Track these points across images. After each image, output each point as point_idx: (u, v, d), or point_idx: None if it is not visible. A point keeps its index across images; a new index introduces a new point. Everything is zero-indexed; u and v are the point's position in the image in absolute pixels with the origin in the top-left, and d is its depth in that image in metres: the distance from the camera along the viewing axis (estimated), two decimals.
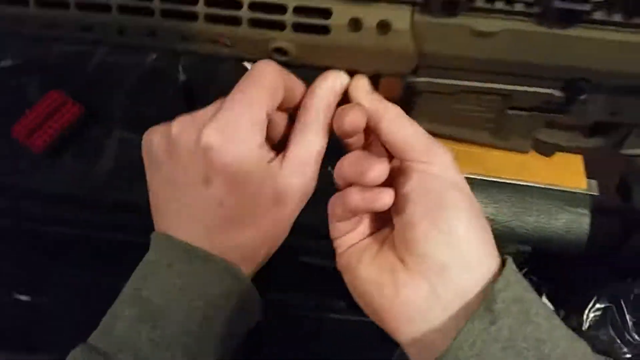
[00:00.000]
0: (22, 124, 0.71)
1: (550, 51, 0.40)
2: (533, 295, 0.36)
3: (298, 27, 0.39)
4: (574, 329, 1.18)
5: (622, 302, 1.41)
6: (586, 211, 0.48)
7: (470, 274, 0.35)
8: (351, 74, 0.42)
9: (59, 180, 0.71)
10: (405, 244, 0.37)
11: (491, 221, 0.48)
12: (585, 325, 1.43)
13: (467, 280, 0.35)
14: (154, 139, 0.41)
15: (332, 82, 0.41)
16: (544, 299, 1.55)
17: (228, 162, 0.37)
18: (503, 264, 0.37)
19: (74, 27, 0.41)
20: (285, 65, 0.41)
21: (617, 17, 0.38)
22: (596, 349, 1.37)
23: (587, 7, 0.37)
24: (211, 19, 0.39)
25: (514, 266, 0.36)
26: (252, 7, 0.39)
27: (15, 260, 0.88)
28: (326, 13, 0.39)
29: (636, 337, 1.41)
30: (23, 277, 0.91)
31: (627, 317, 1.41)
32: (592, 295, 1.43)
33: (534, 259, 1.52)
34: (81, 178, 0.71)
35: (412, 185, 0.38)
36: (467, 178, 0.47)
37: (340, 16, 0.39)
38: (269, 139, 0.41)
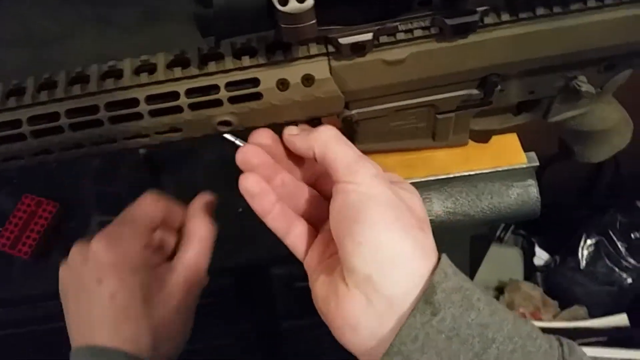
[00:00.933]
0: (5, 236, 0.74)
1: (456, 60, 0.44)
2: (471, 284, 0.36)
3: (234, 100, 0.43)
4: (572, 270, 1.24)
5: (611, 233, 1.48)
6: (532, 181, 0.53)
7: (396, 279, 0.36)
8: (291, 123, 0.46)
9: (54, 279, 0.73)
10: (342, 261, 0.38)
11: (452, 214, 0.53)
12: (583, 263, 1.50)
13: (395, 285, 0.36)
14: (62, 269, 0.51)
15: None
16: (537, 249, 1.61)
17: (114, 260, 0.47)
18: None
19: (35, 153, 0.44)
20: (233, 133, 0.45)
21: (506, 17, 0.43)
22: (598, 283, 1.43)
23: (476, 17, 0.42)
24: (155, 113, 0.43)
25: (449, 261, 0.37)
26: (188, 93, 0.43)
27: None
28: (255, 81, 0.43)
29: (632, 260, 1.48)
30: None
31: (619, 244, 1.48)
32: (581, 234, 1.49)
33: None
34: None
35: (335, 206, 0.39)
36: (421, 181, 0.52)
37: (268, 81, 0.43)
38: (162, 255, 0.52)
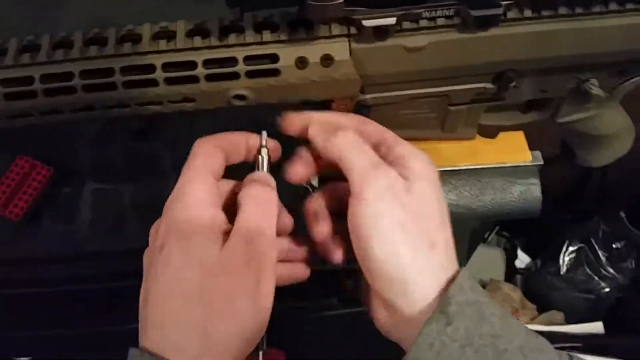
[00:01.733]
0: None
1: (475, 52, 0.45)
2: (488, 299, 0.37)
3: (251, 74, 0.43)
4: (552, 275, 1.25)
5: (593, 241, 1.49)
6: (535, 180, 0.54)
7: (409, 297, 0.37)
8: (306, 103, 0.46)
9: (43, 243, 0.73)
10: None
11: (455, 206, 0.53)
12: (563, 269, 1.51)
13: (408, 302, 0.37)
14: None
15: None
16: (519, 252, 1.62)
17: (176, 220, 0.38)
18: None
19: (44, 112, 0.44)
20: (246, 107, 0.45)
21: (528, 13, 0.43)
22: (577, 290, 1.44)
23: (499, 10, 0.42)
24: (171, 81, 0.42)
25: (468, 274, 0.38)
26: (206, 63, 0.42)
27: (11, 325, 0.89)
28: (274, 57, 0.43)
29: (611, 270, 1.49)
30: (22, 339, 0.92)
31: (600, 252, 1.49)
32: (564, 240, 1.50)
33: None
34: (63, 236, 0.73)
35: (349, 219, 0.39)
36: None
37: (287, 58, 0.43)
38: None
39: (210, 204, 0.39)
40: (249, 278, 0.37)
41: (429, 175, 0.40)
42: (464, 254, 0.57)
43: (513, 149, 0.55)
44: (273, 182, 0.42)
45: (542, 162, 0.55)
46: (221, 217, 0.39)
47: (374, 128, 0.44)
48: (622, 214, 1.44)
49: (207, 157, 0.41)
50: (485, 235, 1.55)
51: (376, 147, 0.42)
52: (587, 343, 1.29)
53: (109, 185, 0.76)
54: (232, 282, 0.37)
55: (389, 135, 0.43)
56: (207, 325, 0.36)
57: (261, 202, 0.40)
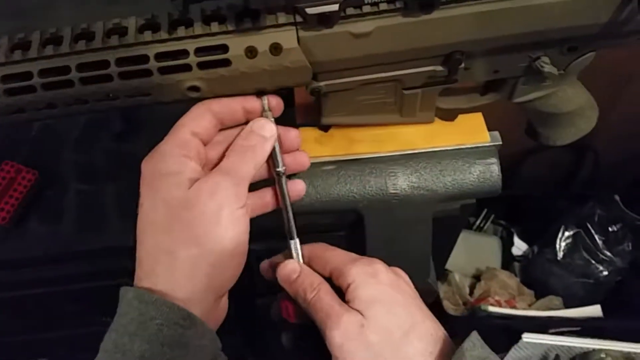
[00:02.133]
0: None
1: (420, 36, 0.46)
2: (495, 356, 0.43)
3: (203, 65, 0.44)
4: (550, 261, 1.25)
5: (589, 225, 1.49)
6: (494, 160, 0.55)
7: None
8: (260, 92, 0.47)
9: (30, 245, 0.75)
10: None
11: (416, 188, 0.54)
12: (560, 255, 1.52)
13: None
14: None
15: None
16: (516, 239, 1.63)
17: (150, 171, 0.44)
18: None
19: (41, 106, 0.45)
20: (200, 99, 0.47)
21: None
22: (575, 275, 1.44)
23: None
24: (124, 76, 0.44)
25: (477, 335, 0.43)
26: (158, 57, 0.44)
27: (6, 329, 0.91)
28: (224, 48, 0.44)
29: (608, 253, 1.49)
30: (21, 343, 0.94)
31: (596, 237, 1.49)
32: (560, 225, 1.51)
33: (499, 206, 1.58)
34: (50, 238, 0.75)
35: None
36: (388, 156, 0.54)
37: (237, 48, 0.44)
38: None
39: (181, 155, 0.44)
40: (210, 208, 0.42)
41: (380, 297, 0.45)
42: (427, 239, 0.58)
43: (472, 131, 0.57)
44: (269, 132, 0.47)
45: (500, 142, 0.56)
46: (193, 166, 0.44)
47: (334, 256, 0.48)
48: (617, 197, 1.44)
49: (193, 119, 0.46)
50: (481, 224, 1.56)
51: (331, 274, 0.47)
52: (585, 326, 1.29)
53: (92, 186, 0.78)
54: (193, 214, 0.42)
55: (343, 265, 0.47)
56: (173, 251, 0.42)
57: (244, 150, 0.46)
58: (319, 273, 0.48)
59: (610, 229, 1.44)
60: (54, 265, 0.77)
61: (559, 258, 1.45)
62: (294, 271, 0.47)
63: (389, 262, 0.48)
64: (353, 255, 0.48)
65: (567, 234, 1.47)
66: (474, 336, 0.43)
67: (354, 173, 0.55)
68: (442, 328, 0.45)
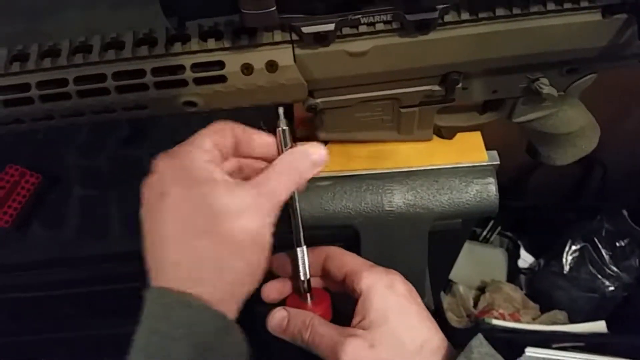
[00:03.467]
0: None
1: (417, 56, 0.46)
2: (501, 357, 0.43)
3: (199, 81, 0.45)
4: (556, 275, 1.24)
5: (596, 240, 1.48)
6: (492, 179, 0.55)
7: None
8: (256, 108, 0.48)
9: (32, 248, 0.76)
10: None
11: (412, 206, 0.54)
12: (566, 268, 1.51)
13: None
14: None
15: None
16: (522, 252, 1.61)
17: (177, 172, 0.42)
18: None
19: (39, 117, 0.46)
20: (196, 113, 0.47)
21: (466, 16, 0.44)
22: (581, 289, 1.43)
23: (435, 14, 0.43)
24: (121, 90, 0.44)
25: (482, 336, 0.43)
26: (155, 72, 0.44)
27: (7, 330, 0.92)
28: (220, 64, 0.44)
29: (615, 268, 1.48)
30: (22, 345, 0.95)
31: (603, 251, 1.48)
32: (567, 239, 1.49)
33: (506, 218, 1.57)
34: (52, 242, 0.76)
35: None
36: (385, 173, 0.54)
37: (233, 64, 0.44)
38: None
39: (206, 160, 0.42)
40: (251, 227, 0.41)
41: (395, 308, 0.45)
42: (423, 255, 0.58)
43: (470, 150, 0.56)
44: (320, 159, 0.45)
45: (498, 162, 0.56)
46: (221, 174, 0.42)
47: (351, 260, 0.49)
48: (625, 212, 1.43)
49: (216, 132, 0.43)
50: (488, 235, 1.55)
51: (345, 277, 0.48)
52: (589, 342, 1.28)
53: (96, 191, 0.79)
54: (237, 226, 0.41)
55: (359, 271, 0.47)
56: (219, 261, 0.41)
57: (285, 170, 0.44)
58: (333, 274, 0.48)
59: (617, 244, 1.43)
60: (55, 269, 0.77)
61: (565, 272, 1.44)
62: (283, 318, 0.47)
63: None
64: (370, 262, 0.48)
65: (574, 247, 1.46)
66: (480, 336, 0.43)
67: (350, 189, 0.55)
68: (447, 341, 0.45)
